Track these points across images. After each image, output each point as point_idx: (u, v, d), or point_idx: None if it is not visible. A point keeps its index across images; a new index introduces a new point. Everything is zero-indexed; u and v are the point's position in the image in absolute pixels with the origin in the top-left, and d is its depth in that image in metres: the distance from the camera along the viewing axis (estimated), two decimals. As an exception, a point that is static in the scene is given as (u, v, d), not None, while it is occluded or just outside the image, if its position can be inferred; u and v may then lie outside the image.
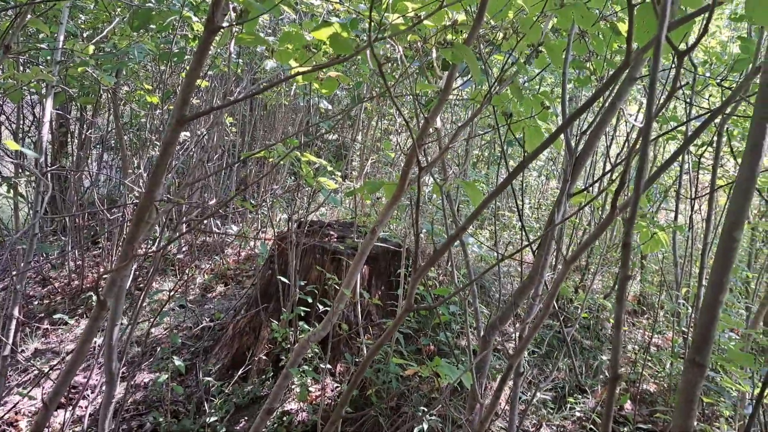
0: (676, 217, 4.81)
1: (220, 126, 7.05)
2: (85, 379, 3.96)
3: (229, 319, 4.97)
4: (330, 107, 6.78)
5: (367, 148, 8.28)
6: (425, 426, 3.31)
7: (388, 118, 8.56)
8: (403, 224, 6.09)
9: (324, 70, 2.64)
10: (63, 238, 6.76)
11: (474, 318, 3.05)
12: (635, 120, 6.29)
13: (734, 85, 3.63)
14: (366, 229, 5.12)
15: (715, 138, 3.64)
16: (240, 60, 6.80)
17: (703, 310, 0.85)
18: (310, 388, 3.94)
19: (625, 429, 3.66)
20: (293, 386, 3.98)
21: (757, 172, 0.84)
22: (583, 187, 2.41)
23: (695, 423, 3.64)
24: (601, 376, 4.40)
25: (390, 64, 3.98)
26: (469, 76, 4.35)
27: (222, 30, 1.82)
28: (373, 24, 2.59)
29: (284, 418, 3.72)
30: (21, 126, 6.61)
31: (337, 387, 4.06)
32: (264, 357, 4.24)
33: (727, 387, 3.11)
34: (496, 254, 5.87)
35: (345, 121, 9.87)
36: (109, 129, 7.66)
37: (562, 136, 2.59)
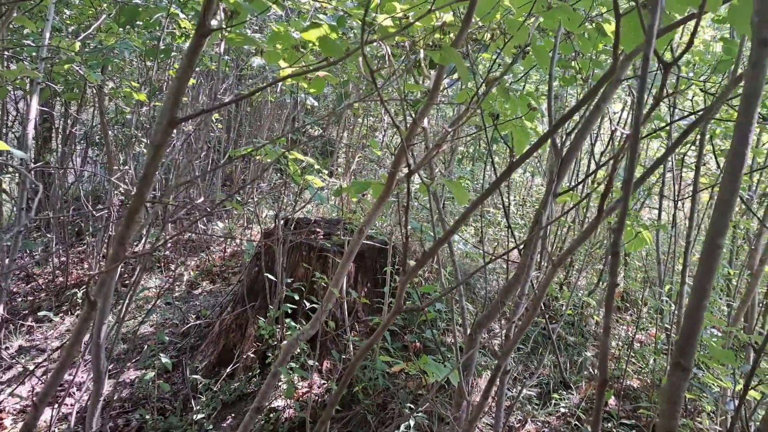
0: (659, 216, 4.87)
1: (207, 124, 7.03)
2: (71, 377, 3.95)
3: (215, 317, 4.97)
4: (317, 104, 6.78)
5: (353, 146, 8.29)
6: (412, 423, 3.34)
7: (374, 115, 8.58)
8: (389, 221, 6.12)
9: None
10: (47, 234, 6.70)
11: (460, 315, 3.08)
12: (619, 120, 6.36)
13: (716, 86, 3.68)
14: (352, 227, 5.14)
15: (698, 138, 3.69)
16: (227, 57, 6.78)
17: (687, 315, 0.88)
18: (296, 385, 3.95)
19: (609, 425, 3.71)
20: (280, 383, 3.99)
21: (739, 180, 0.87)
22: (569, 187, 2.44)
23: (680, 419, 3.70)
24: (586, 373, 4.45)
25: (377, 62, 3.99)
26: (456, 76, 4.38)
27: (212, 32, 1.82)
28: (364, 25, 2.60)
29: (271, 415, 3.73)
30: (4, 121, 6.54)
31: (324, 384, 4.08)
32: (251, 354, 4.25)
33: (709, 383, 3.17)
34: (481, 252, 5.92)
35: (332, 118, 9.86)
36: (94, 125, 7.60)
37: (548, 136, 2.62)
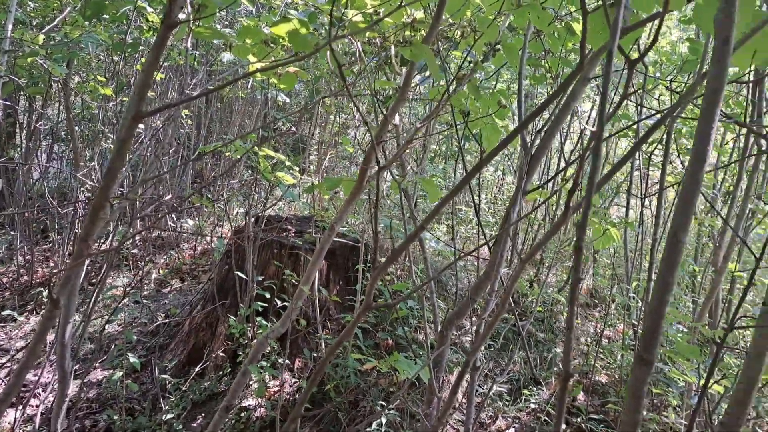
0: (627, 213, 4.95)
1: (176, 119, 6.93)
2: (36, 377, 3.86)
3: (185, 315, 4.91)
4: (288, 101, 6.74)
5: (325, 143, 8.26)
6: (384, 420, 3.34)
7: (346, 112, 8.56)
8: (361, 219, 6.11)
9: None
10: (11, 232, 6.55)
11: (431, 313, 3.09)
12: (588, 119, 6.44)
13: (682, 86, 3.75)
14: (324, 224, 5.12)
15: (665, 137, 3.75)
16: (196, 52, 6.69)
17: (650, 310, 0.89)
18: (268, 384, 3.93)
19: (578, 419, 3.76)
20: (251, 382, 3.96)
21: (701, 176, 0.88)
22: (538, 185, 2.46)
23: (644, 413, 3.76)
24: (555, 369, 4.50)
25: (348, 58, 3.98)
26: (428, 73, 4.38)
27: (179, 24, 1.80)
28: (332, 20, 2.59)
29: (242, 414, 3.70)
30: (-35, 116, 6.37)
31: (296, 382, 4.06)
32: (221, 353, 4.21)
33: (675, 378, 3.23)
34: (453, 250, 5.95)
35: (303, 115, 9.81)
36: (60, 120, 7.45)
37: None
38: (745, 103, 3.63)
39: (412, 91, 6.69)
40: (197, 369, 4.15)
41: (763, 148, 3.71)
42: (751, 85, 3.72)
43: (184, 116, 7.19)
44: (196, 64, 6.46)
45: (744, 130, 4.22)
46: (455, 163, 6.13)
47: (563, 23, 2.82)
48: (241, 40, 2.53)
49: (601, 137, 0.67)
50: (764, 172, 4.32)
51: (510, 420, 3.87)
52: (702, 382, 2.72)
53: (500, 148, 1.60)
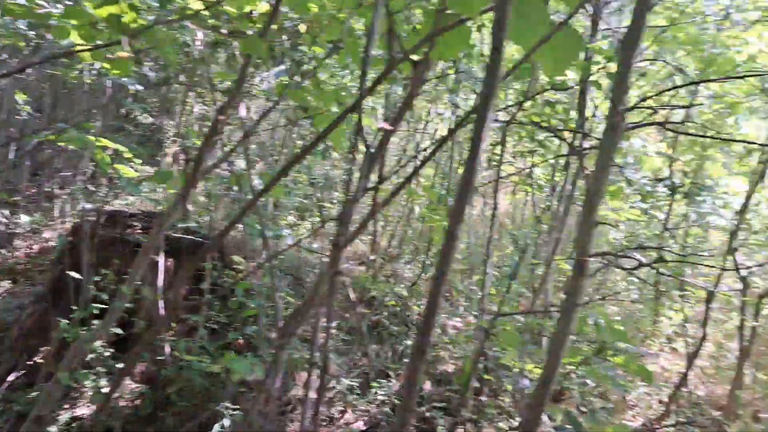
0: (472, 212, 5.19)
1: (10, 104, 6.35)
2: None
3: (13, 320, 4.50)
4: (141, 88, 6.39)
5: (182, 135, 7.94)
6: (227, 422, 3.25)
7: (206, 103, 8.27)
8: (219, 215, 5.93)
9: (114, 50, 2.47)
10: None
11: (274, 310, 3.06)
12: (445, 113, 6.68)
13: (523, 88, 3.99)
14: (175, 220, 4.90)
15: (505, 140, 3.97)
16: (33, 33, 6.15)
17: (427, 302, 0.92)
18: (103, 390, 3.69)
19: (423, 408, 3.89)
20: (85, 389, 3.70)
21: (473, 177, 0.92)
22: (376, 183, 2.51)
23: (485, 398, 3.96)
24: (406, 360, 4.62)
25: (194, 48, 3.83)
26: (284, 66, 4.34)
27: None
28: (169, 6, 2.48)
29: (73, 425, 3.45)
30: None
31: (137, 388, 3.86)
32: (48, 360, 3.88)
33: (508, 365, 3.42)
34: (313, 249, 5.95)
35: (161, 105, 9.40)
36: None
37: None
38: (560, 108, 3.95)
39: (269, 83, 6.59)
40: (22, 378, 3.82)
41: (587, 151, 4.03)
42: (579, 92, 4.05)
43: (22, 102, 6.59)
44: (22, 44, 5.91)
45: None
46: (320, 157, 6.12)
47: (413, 26, 2.90)
48: (64, 21, 2.34)
49: (389, 136, 0.68)
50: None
51: (359, 413, 3.92)
52: (528, 366, 2.92)
53: (325, 133, 1.62)
